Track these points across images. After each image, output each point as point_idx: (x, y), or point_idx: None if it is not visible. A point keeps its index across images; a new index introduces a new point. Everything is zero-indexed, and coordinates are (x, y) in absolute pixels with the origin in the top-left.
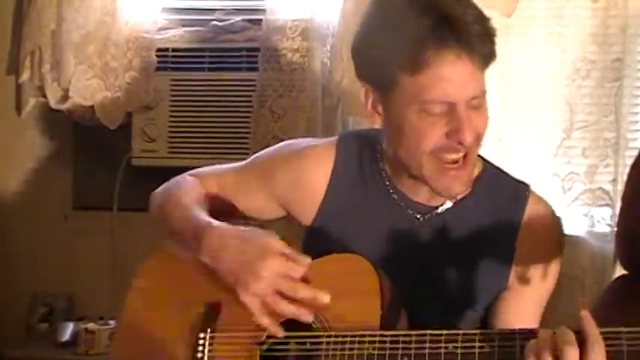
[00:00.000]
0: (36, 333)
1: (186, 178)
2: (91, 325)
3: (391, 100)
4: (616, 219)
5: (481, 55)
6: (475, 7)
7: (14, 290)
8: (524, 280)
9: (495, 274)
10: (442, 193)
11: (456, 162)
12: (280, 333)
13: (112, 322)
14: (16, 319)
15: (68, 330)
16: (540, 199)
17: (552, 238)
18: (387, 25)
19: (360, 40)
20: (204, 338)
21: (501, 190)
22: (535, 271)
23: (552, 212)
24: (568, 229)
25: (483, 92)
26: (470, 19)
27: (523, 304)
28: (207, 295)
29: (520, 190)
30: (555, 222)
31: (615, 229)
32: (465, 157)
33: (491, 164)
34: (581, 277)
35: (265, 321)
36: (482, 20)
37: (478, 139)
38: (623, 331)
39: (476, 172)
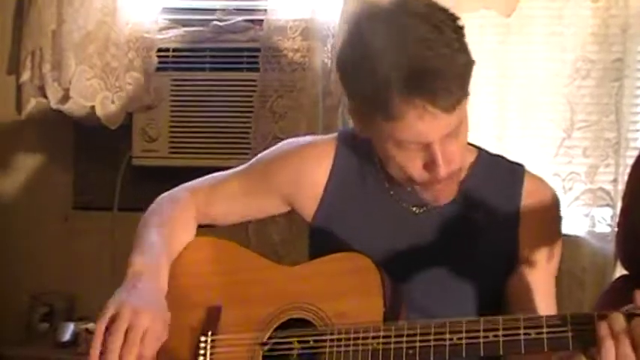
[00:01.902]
0: (36, 333)
1: (182, 197)
2: (91, 325)
3: (371, 133)
4: (617, 219)
5: (449, 105)
6: (448, 46)
7: (14, 290)
8: (531, 258)
9: (500, 257)
10: (430, 203)
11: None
12: None
13: None
14: (16, 319)
15: (69, 330)
16: (536, 177)
17: (553, 214)
18: (359, 70)
19: (341, 71)
20: (205, 341)
21: (497, 174)
22: (541, 249)
23: (550, 189)
24: (569, 229)
25: (460, 122)
26: (439, 69)
27: (535, 281)
28: (208, 299)
29: (516, 171)
30: (554, 198)
31: (616, 229)
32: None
33: (485, 150)
34: (582, 277)
35: None
36: (453, 63)
37: (457, 168)
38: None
39: (471, 158)
